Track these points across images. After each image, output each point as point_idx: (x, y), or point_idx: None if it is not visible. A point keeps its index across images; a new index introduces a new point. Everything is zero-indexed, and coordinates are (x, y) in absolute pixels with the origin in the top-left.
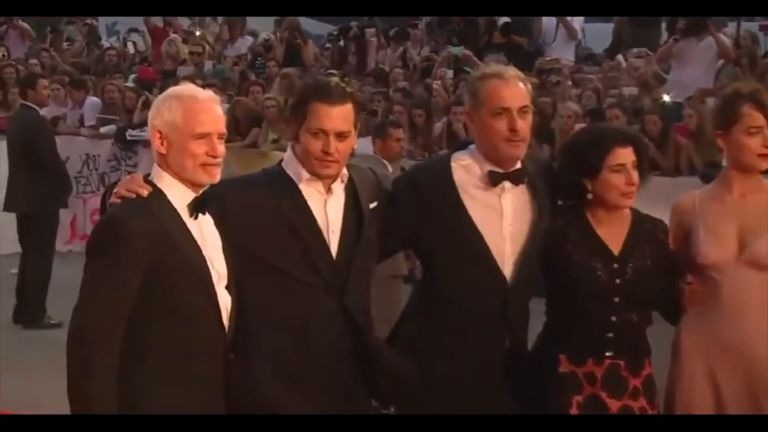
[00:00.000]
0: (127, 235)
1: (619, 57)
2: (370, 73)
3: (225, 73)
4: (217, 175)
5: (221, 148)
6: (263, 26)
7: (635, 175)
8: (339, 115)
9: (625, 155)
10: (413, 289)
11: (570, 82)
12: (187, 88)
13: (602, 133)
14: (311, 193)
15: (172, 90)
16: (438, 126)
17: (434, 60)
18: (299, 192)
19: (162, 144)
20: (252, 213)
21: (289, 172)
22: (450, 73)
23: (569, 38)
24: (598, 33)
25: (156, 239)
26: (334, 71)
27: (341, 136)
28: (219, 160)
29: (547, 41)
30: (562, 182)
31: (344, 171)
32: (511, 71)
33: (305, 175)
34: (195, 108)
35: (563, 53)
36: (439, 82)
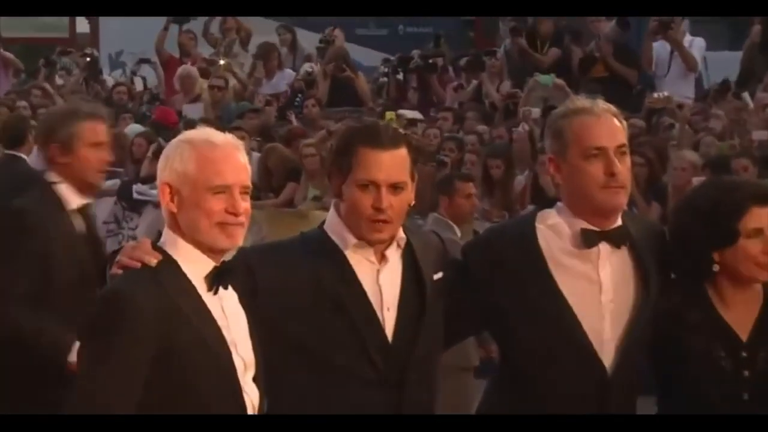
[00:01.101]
0: (133, 313)
1: (745, 95)
2: (444, 109)
3: (247, 107)
4: (238, 238)
5: (244, 204)
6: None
7: None
8: (391, 163)
9: (764, 217)
10: (489, 384)
11: (687, 126)
12: (201, 132)
13: (735, 189)
14: (360, 261)
15: (183, 134)
16: (520, 180)
17: (518, 97)
18: (345, 261)
19: (172, 200)
20: (286, 287)
21: (333, 236)
22: (536, 111)
23: (687, 70)
24: (723, 63)
25: (167, 318)
26: (404, 111)
27: (395, 188)
28: (242, 219)
29: (659, 73)
30: (681, 251)
31: (401, 234)
32: (602, 104)
33: (352, 239)
34: (211, 156)
35: (679, 89)
36: (525, 126)
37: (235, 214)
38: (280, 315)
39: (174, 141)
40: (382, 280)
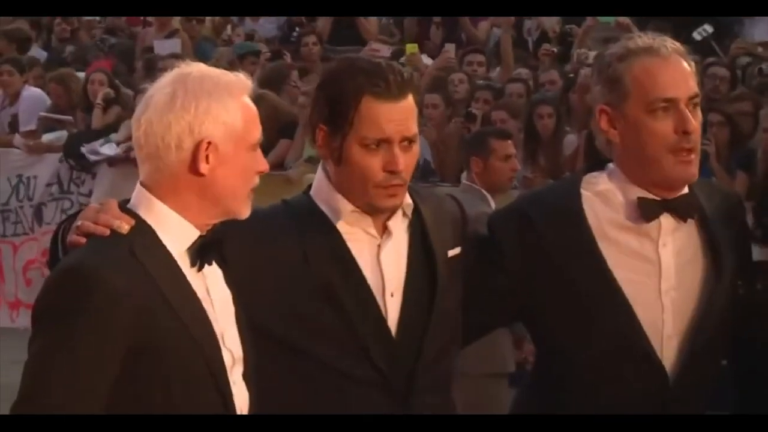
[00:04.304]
0: (104, 293)
1: None
2: (474, 50)
3: (254, 49)
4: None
5: None
6: None
7: None
8: (403, 114)
9: None
10: (519, 392)
11: None
12: (226, 72)
13: None
14: (357, 235)
15: (205, 75)
16: (571, 139)
17: (573, 34)
18: (338, 235)
19: (206, 160)
20: (263, 268)
21: (322, 204)
22: (591, 54)
23: None
24: None
25: (144, 301)
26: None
27: (409, 142)
28: None
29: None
30: (761, 220)
31: (407, 199)
32: (669, 44)
33: (347, 207)
34: (250, 105)
35: None
36: (584, 71)
37: (261, 173)
38: (255, 303)
39: (201, 84)
40: (383, 259)
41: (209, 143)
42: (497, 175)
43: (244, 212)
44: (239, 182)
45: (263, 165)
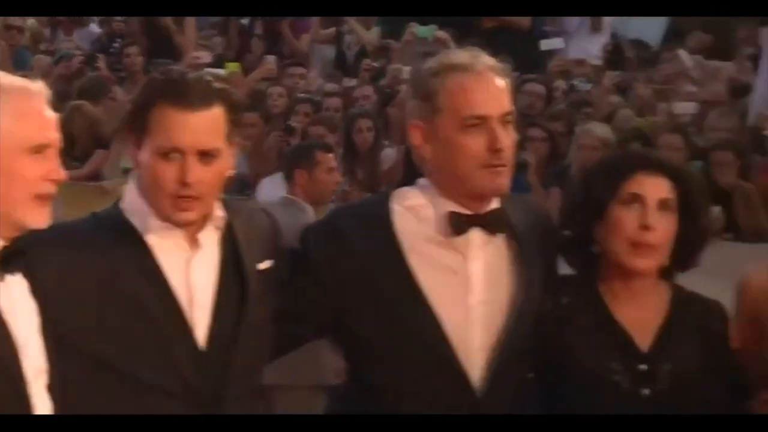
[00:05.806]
0: None
1: (681, 54)
2: (295, 63)
3: (68, 53)
4: (48, 215)
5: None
6: None
7: (665, 220)
8: (201, 125)
9: (649, 186)
10: (330, 404)
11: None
12: (6, 76)
13: (627, 156)
14: (166, 249)
15: None
16: (389, 153)
17: (390, 49)
18: (146, 249)
19: None
20: (72, 281)
21: (131, 217)
22: (405, 70)
23: (592, 30)
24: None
25: None
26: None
27: (206, 156)
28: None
29: (568, 29)
30: (563, 230)
31: (219, 212)
32: (485, 60)
33: (155, 221)
34: (29, 107)
35: (590, 49)
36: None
37: (56, 181)
38: (63, 316)
39: None
40: (193, 271)
41: None
42: (321, 187)
43: (34, 220)
44: (13, 188)
45: (55, 172)
